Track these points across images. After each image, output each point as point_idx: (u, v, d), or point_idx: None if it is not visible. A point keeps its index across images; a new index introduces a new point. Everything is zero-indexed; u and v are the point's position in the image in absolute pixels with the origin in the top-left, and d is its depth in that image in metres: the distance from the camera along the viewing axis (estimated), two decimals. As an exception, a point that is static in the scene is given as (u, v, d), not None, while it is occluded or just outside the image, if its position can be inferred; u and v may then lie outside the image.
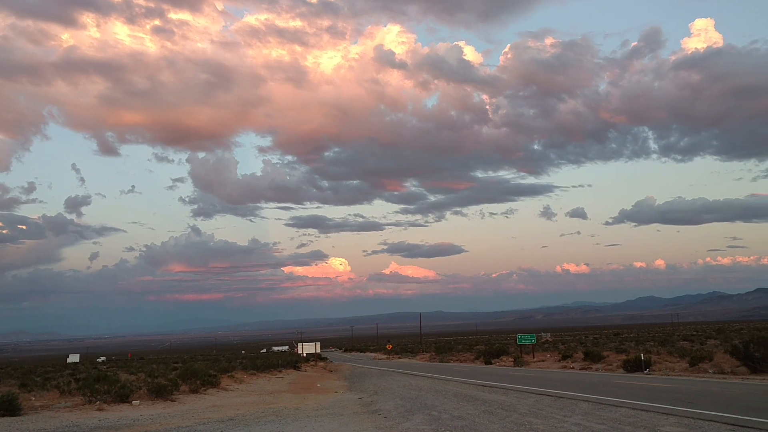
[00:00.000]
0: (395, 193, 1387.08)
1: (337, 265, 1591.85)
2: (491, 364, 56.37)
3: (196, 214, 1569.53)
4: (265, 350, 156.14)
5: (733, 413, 14.86)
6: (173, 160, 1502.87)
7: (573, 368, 42.86)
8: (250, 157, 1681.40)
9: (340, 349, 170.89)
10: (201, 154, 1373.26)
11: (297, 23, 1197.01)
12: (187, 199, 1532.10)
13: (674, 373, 32.82)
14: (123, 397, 24.63)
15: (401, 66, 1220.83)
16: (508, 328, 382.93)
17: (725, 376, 28.95)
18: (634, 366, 35.49)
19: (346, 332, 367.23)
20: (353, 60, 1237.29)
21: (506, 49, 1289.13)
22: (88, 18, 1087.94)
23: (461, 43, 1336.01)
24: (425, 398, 22.97)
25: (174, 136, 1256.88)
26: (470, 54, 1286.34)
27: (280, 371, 50.29)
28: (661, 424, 13.79)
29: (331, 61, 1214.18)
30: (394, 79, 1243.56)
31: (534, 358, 56.47)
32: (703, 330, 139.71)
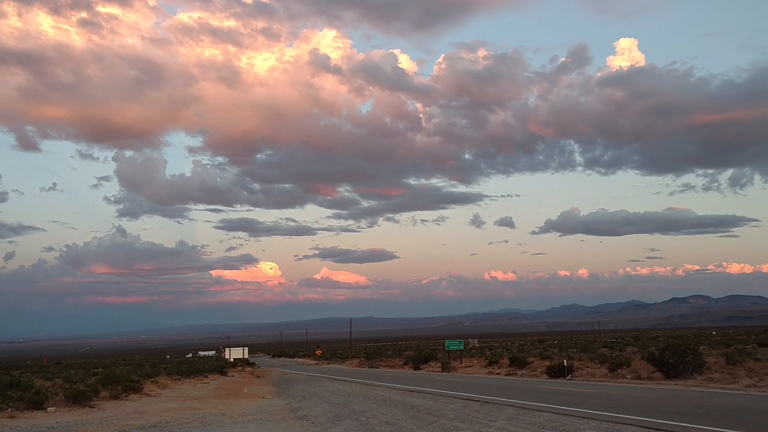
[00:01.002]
0: (328, 197, 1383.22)
1: (267, 269, 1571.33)
2: (420, 369, 56.85)
3: (122, 214, 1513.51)
4: (191, 355, 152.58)
5: (648, 417, 15.49)
6: (98, 158, 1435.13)
7: (499, 374, 43.71)
8: (179, 157, 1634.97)
9: (268, 355, 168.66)
10: (128, 153, 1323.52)
11: (231, 23, 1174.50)
12: (112, 199, 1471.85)
13: (595, 378, 33.95)
14: (37, 403, 23.46)
15: (336, 71, 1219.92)
16: (438, 334, 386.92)
17: (642, 382, 30.13)
18: (557, 372, 36.51)
19: (275, 337, 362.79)
20: (288, 63, 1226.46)
21: (440, 59, 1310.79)
22: (8, 6, 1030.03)
23: (396, 51, 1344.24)
24: (354, 404, 22.92)
25: (100, 132, 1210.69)
26: (405, 62, 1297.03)
27: (206, 376, 49.15)
28: (581, 428, 14.21)
29: (266, 62, 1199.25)
30: (329, 83, 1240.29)
31: (461, 363, 57.23)
32: (623, 337, 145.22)
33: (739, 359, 36.91)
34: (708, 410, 16.98)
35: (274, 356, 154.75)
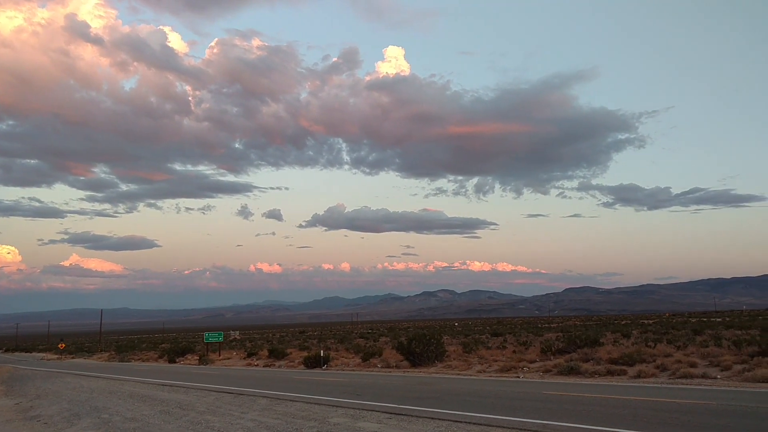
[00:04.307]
0: (81, 178, 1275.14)
1: (4, 254, 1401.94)
2: (175, 362, 54.82)
3: None
4: None
5: (392, 403, 16.59)
6: None
7: (257, 365, 43.73)
8: None
9: (0, 350, 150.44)
10: None
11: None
12: None
13: (349, 368, 35.50)
14: None
15: (97, 41, 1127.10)
16: (198, 326, 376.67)
17: (391, 370, 32.20)
18: (313, 362, 37.55)
19: (10, 330, 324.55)
20: (38, 25, 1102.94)
21: (213, 44, 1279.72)
22: None
23: (166, 29, 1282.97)
24: (96, 400, 21.29)
25: None
26: (175, 42, 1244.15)
27: None
28: (330, 415, 14.75)
29: (11, 21, 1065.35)
30: (87, 53, 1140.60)
31: (220, 356, 56.31)
32: (378, 328, 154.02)
33: (474, 348, 41.21)
34: (443, 394, 18.67)
35: (7, 351, 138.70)
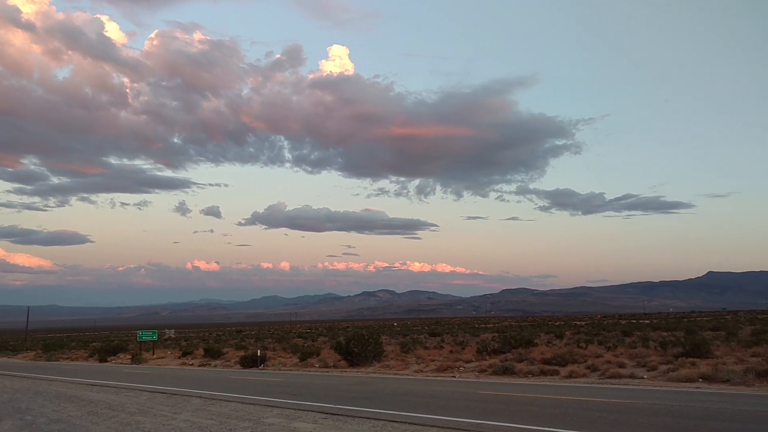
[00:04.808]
0: (9, 169, 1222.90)
1: None
2: (107, 361, 53.22)
3: None
4: None
5: (328, 403, 16.52)
6: None
7: (192, 365, 42.89)
8: None
9: None
10: None
11: None
12: None
13: (286, 368, 35.20)
14: None
15: (28, 27, 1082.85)
16: (132, 324, 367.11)
17: (329, 370, 32.07)
18: (250, 362, 37.08)
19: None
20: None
21: (153, 35, 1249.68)
22: None
23: (104, 18, 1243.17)
24: (20, 401, 20.39)
25: None
26: (113, 32, 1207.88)
27: None
28: (265, 415, 14.57)
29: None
30: (18, 39, 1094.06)
31: (154, 355, 54.98)
32: (316, 328, 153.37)
33: (412, 347, 41.48)
34: (380, 394, 18.71)
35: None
